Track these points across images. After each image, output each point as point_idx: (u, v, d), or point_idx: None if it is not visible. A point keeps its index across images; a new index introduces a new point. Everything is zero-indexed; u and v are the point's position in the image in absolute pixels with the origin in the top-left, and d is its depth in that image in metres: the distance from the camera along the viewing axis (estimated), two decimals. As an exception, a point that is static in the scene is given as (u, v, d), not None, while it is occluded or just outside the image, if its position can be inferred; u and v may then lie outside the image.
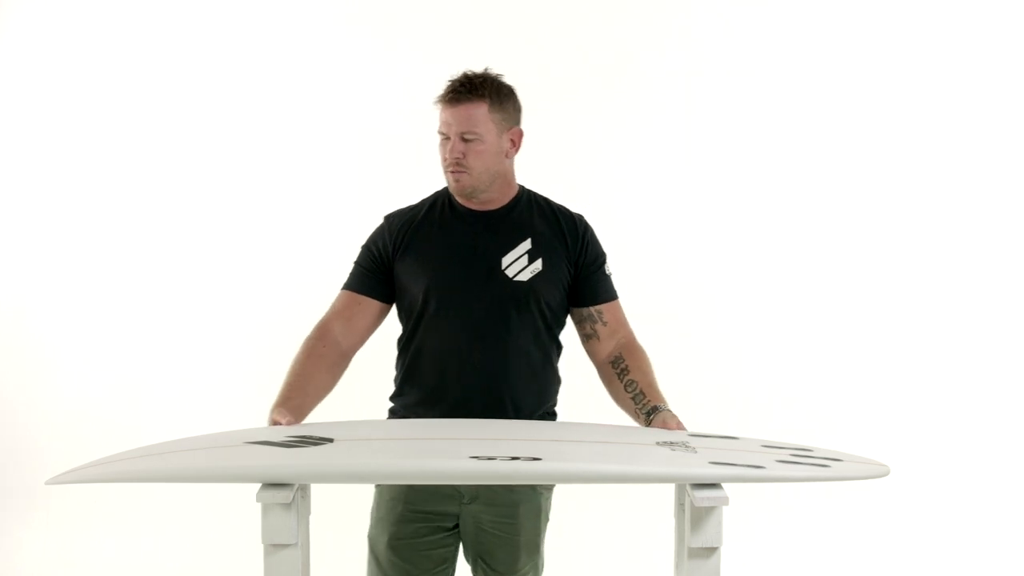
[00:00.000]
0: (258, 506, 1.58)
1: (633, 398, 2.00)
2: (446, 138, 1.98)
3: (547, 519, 2.12)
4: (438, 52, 3.50)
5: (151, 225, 3.77)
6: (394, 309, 2.09)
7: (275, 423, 1.84)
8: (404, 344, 2.07)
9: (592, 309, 2.08)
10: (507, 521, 2.03)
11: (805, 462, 1.70)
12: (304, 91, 3.74)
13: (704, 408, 3.34)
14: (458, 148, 1.96)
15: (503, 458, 1.60)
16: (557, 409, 2.13)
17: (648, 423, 1.96)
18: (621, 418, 2.03)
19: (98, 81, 3.75)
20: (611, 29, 3.70)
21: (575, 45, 3.69)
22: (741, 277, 3.72)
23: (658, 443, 1.77)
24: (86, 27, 3.74)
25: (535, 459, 1.59)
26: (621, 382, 2.03)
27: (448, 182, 2.02)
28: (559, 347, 2.11)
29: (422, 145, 3.69)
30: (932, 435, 3.69)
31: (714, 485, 1.59)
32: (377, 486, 2.09)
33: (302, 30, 3.74)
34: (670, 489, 1.76)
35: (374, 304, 2.05)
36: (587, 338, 2.10)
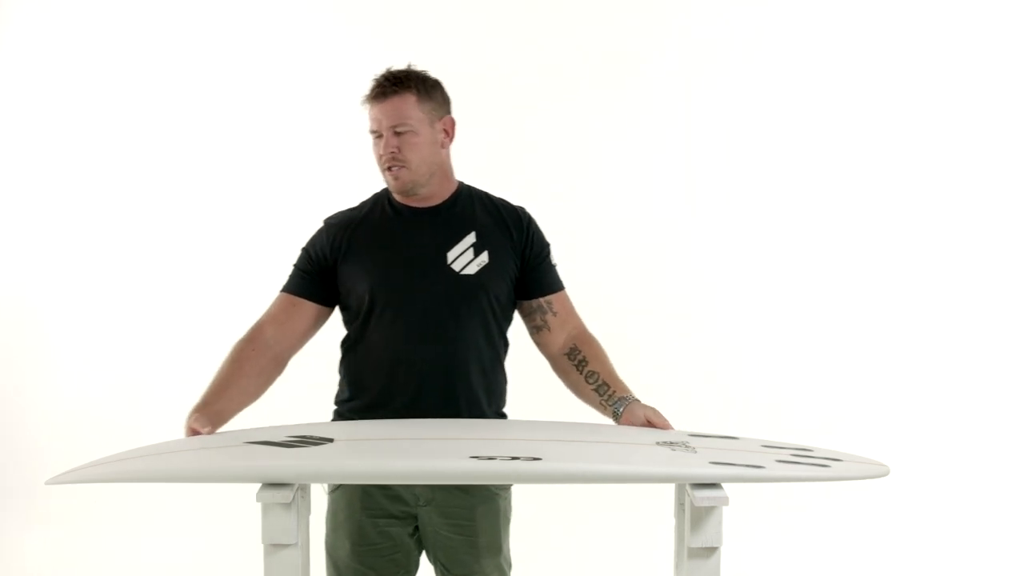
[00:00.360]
0: (258, 506, 1.58)
1: (596, 390, 1.98)
2: (378, 136, 1.95)
3: (507, 520, 2.08)
4: (435, 53, 3.49)
5: (151, 225, 3.77)
6: (337, 313, 2.05)
7: (193, 432, 1.80)
8: (349, 346, 2.03)
9: (541, 300, 2.05)
10: (464, 523, 2.00)
11: (805, 462, 1.70)
12: (305, 91, 3.74)
13: (704, 408, 3.35)
14: (392, 142, 1.93)
15: (503, 458, 1.60)
16: (506, 410, 2.09)
17: (616, 415, 1.94)
18: (571, 414, 1.99)
19: (99, 87, 3.75)
20: (609, 28, 3.70)
21: (572, 45, 3.69)
22: (741, 277, 3.72)
23: (658, 443, 1.77)
24: (86, 27, 3.74)
25: (535, 459, 1.60)
26: (581, 374, 2.01)
27: (387, 181, 1.99)
28: (507, 344, 2.08)
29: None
30: (932, 435, 3.69)
31: (714, 485, 1.59)
32: (332, 496, 2.05)
33: (302, 31, 3.74)
34: (670, 489, 1.76)
35: (311, 307, 2.01)
36: (537, 330, 2.07)
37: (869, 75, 3.69)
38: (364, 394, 2.00)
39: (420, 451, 1.70)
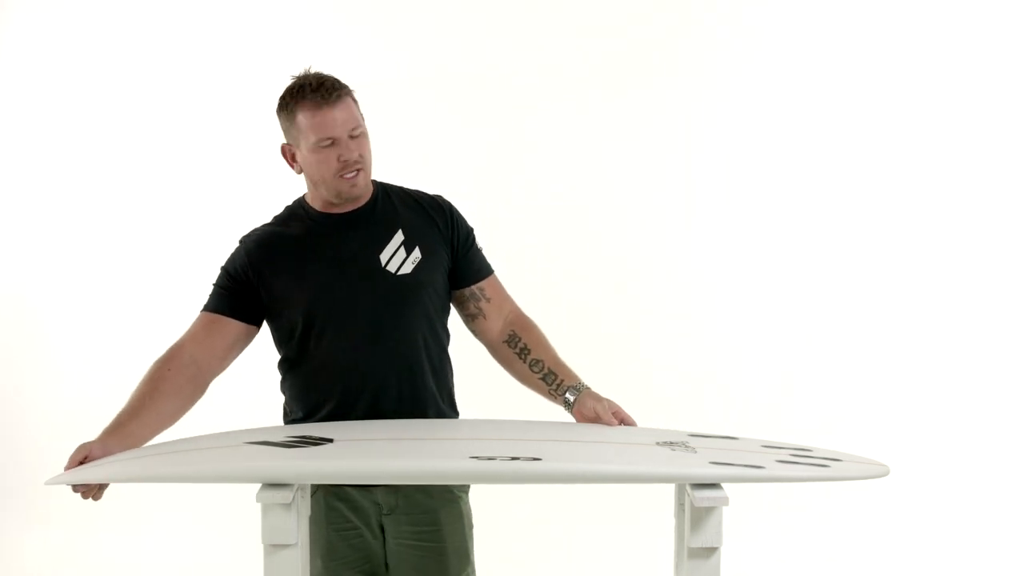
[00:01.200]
0: (258, 506, 1.58)
1: (543, 379, 1.95)
2: (330, 144, 1.86)
3: (471, 525, 2.04)
4: (436, 53, 3.49)
5: (151, 225, 3.77)
6: (267, 334, 1.98)
7: (80, 461, 1.69)
8: (290, 367, 1.96)
9: (474, 287, 2.02)
10: (430, 529, 1.96)
11: (805, 462, 1.70)
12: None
13: (704, 408, 3.35)
14: (353, 146, 1.87)
15: (503, 458, 1.60)
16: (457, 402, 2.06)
17: (568, 404, 1.93)
18: (519, 402, 1.97)
19: (99, 88, 3.75)
20: (609, 28, 3.70)
21: (572, 45, 3.69)
22: (741, 277, 3.72)
23: (658, 443, 1.77)
24: (86, 27, 3.74)
25: (535, 459, 1.59)
26: (524, 362, 1.97)
27: (339, 189, 1.90)
28: (449, 334, 2.04)
29: (422, 145, 3.71)
30: (932, 435, 3.69)
31: (714, 485, 1.59)
32: None
33: (302, 31, 3.74)
34: (670, 489, 1.76)
35: (234, 324, 1.92)
36: (472, 319, 2.03)
37: (871, 77, 3.69)
38: (319, 409, 1.93)
39: (420, 451, 1.70)
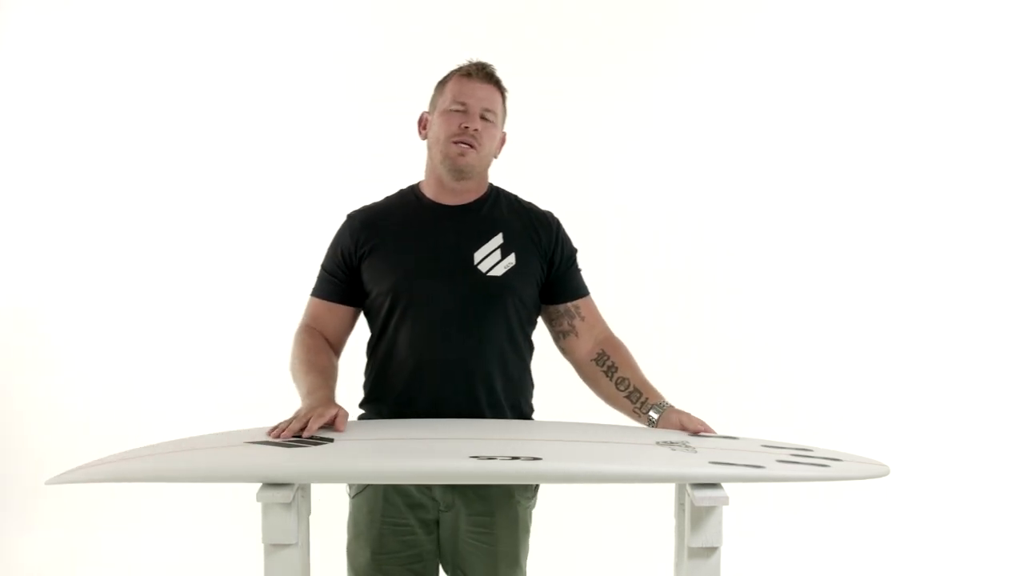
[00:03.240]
0: (258, 506, 1.58)
1: (628, 396, 1.97)
2: (462, 111, 1.94)
3: (527, 532, 2.05)
4: (436, 53, 3.47)
5: (151, 225, 3.77)
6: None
7: (329, 423, 1.75)
8: (373, 348, 2.02)
9: (568, 305, 2.04)
10: (483, 530, 1.98)
11: (805, 462, 1.71)
12: (306, 90, 3.74)
13: (704, 408, 3.34)
14: (479, 121, 1.93)
15: (503, 458, 1.60)
16: (535, 416, 2.08)
17: (652, 422, 1.94)
18: (597, 418, 1.98)
19: (99, 89, 3.74)
20: (610, 26, 3.70)
21: (575, 45, 3.69)
22: (741, 277, 3.72)
23: (658, 443, 1.77)
24: (86, 27, 3.74)
25: (535, 459, 1.60)
26: (611, 380, 1.99)
27: (447, 152, 1.94)
28: (532, 348, 2.06)
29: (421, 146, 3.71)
30: (932, 435, 3.69)
31: (714, 485, 1.59)
32: (353, 500, 2.03)
33: (302, 31, 3.74)
34: (670, 489, 1.76)
35: (344, 309, 2.01)
36: (563, 336, 2.05)
37: (878, 75, 3.69)
38: (387, 396, 1.98)
39: (420, 451, 1.70)
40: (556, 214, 2.09)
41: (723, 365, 3.69)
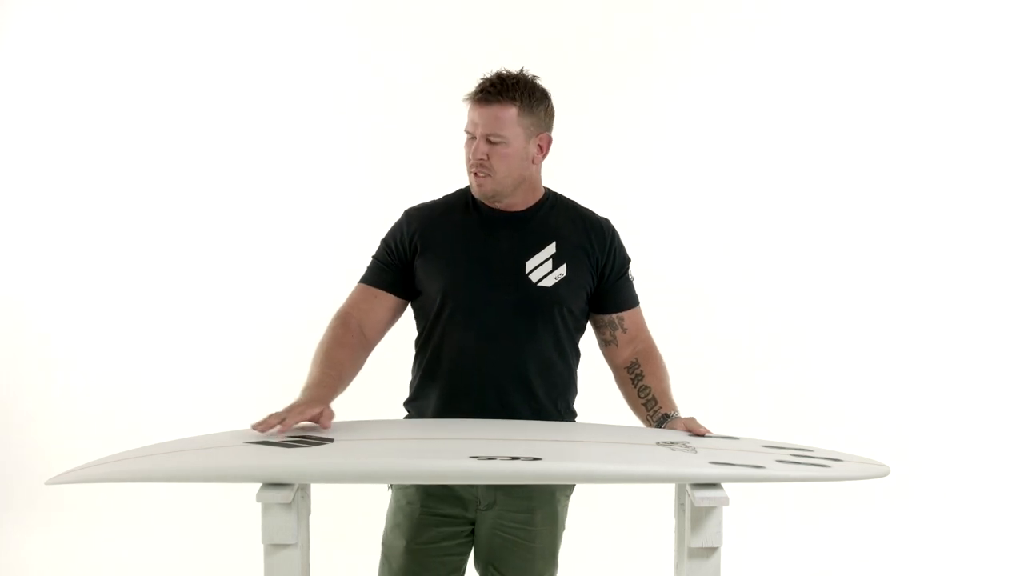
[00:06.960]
0: (258, 506, 1.58)
1: (645, 404, 1.99)
2: (471, 138, 1.92)
3: (563, 527, 2.07)
4: (460, 47, 3.46)
5: (151, 225, 3.77)
6: (410, 308, 2.05)
7: (312, 419, 1.75)
8: (421, 346, 2.02)
9: (614, 316, 2.05)
10: (524, 527, 1.99)
11: (805, 462, 1.70)
12: (310, 87, 3.73)
13: (704, 408, 3.33)
14: (482, 149, 1.89)
15: (503, 458, 1.60)
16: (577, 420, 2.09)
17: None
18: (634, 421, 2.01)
19: (98, 89, 3.74)
20: (631, 27, 3.70)
21: (579, 46, 3.69)
22: (742, 278, 3.72)
23: (658, 443, 1.77)
24: (86, 27, 3.73)
25: (535, 459, 1.59)
26: (635, 387, 2.01)
27: (470, 183, 1.96)
28: (578, 354, 2.07)
29: (423, 146, 3.71)
30: (932, 435, 3.69)
31: (714, 485, 1.59)
32: (394, 491, 2.04)
33: (316, 25, 3.73)
34: (670, 489, 1.76)
35: (390, 298, 1.99)
36: (606, 344, 2.06)
37: (892, 77, 3.69)
38: (431, 397, 1.98)
39: (420, 451, 1.70)
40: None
41: (723, 365, 3.69)
